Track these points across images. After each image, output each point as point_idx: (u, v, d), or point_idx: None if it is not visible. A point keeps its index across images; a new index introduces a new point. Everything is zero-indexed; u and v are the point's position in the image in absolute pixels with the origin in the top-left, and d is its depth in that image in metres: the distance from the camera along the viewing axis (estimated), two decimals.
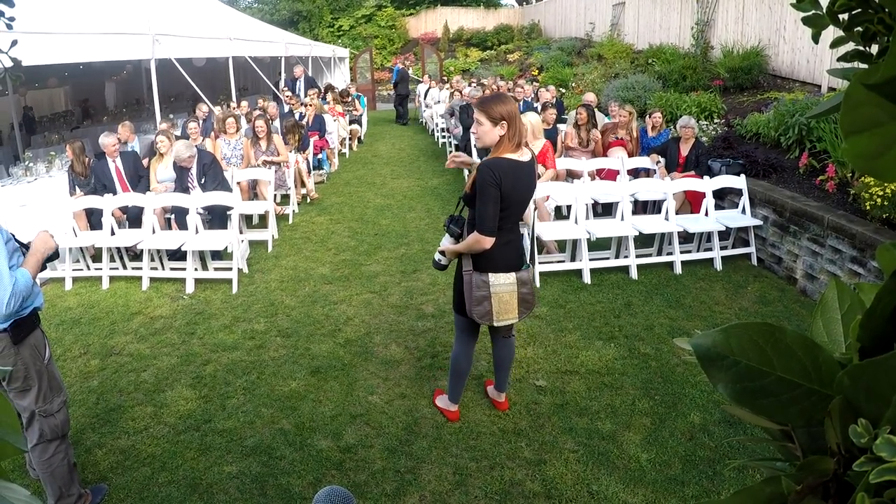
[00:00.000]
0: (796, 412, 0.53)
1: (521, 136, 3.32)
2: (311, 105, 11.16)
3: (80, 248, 6.49)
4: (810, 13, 0.58)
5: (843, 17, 0.54)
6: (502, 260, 3.42)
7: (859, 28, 0.55)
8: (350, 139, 13.56)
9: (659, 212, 6.80)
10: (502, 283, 3.42)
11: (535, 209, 6.31)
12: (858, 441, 0.49)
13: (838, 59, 0.60)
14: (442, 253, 3.58)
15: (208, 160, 7.06)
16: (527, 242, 6.42)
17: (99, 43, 8.02)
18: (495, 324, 3.48)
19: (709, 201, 6.40)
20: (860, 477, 0.48)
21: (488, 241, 3.31)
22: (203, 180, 6.92)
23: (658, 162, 7.31)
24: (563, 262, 6.28)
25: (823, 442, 0.55)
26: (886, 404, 0.48)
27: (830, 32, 0.57)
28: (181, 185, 7.00)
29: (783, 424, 0.56)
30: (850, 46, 0.57)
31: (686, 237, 6.55)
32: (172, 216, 6.85)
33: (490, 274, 3.42)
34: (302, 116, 10.93)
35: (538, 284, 5.88)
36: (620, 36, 16.34)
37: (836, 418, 0.51)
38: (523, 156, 3.34)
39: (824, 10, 0.55)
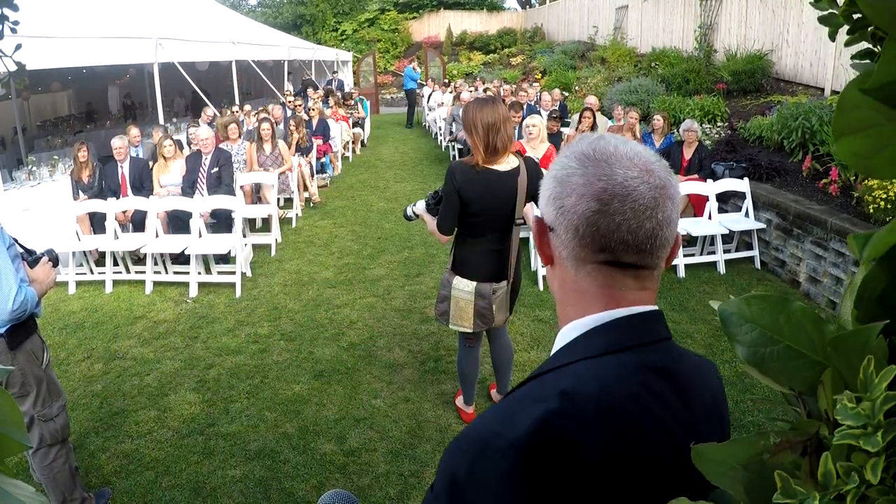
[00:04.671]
0: (800, 378, 0.59)
1: (499, 145, 3.18)
2: (314, 109, 11.18)
3: (84, 253, 6.49)
4: (826, 12, 0.60)
5: (857, 15, 0.55)
6: (469, 267, 3.41)
7: (871, 28, 0.56)
8: (353, 143, 13.57)
9: None
10: (462, 290, 3.41)
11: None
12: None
13: (852, 58, 0.61)
14: (415, 214, 3.62)
15: (225, 156, 7.23)
16: (529, 248, 6.43)
17: (102, 47, 8.05)
18: (450, 326, 3.52)
19: (712, 205, 6.39)
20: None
21: (441, 237, 3.37)
22: (216, 169, 7.00)
23: None
24: None
25: None
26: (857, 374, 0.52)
27: (846, 30, 0.59)
28: (190, 179, 7.04)
29: (792, 389, 0.61)
30: (863, 45, 0.58)
31: (689, 240, 6.54)
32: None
33: (456, 277, 3.44)
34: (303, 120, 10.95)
35: (541, 287, 5.87)
36: (623, 39, 16.35)
37: (827, 386, 0.55)
38: (503, 165, 3.24)
39: (839, 11, 0.57)
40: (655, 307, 0.90)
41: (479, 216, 3.27)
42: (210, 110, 10.32)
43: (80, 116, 14.46)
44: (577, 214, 0.85)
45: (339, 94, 14.65)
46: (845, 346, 0.54)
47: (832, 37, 0.61)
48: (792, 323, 0.59)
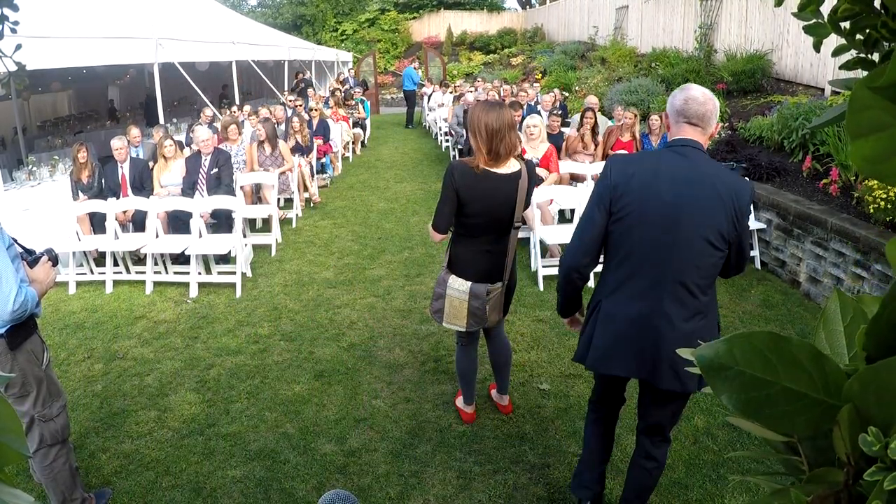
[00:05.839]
0: (803, 422, 0.52)
1: (502, 151, 3.17)
2: (316, 110, 11.19)
3: (84, 253, 6.50)
4: (812, 22, 0.58)
5: (845, 25, 0.54)
6: (464, 267, 3.39)
7: (860, 35, 0.55)
8: (353, 143, 13.57)
9: None
10: (456, 289, 3.40)
11: (540, 213, 6.31)
12: (869, 450, 0.48)
13: (840, 68, 0.59)
14: None
15: (224, 156, 7.23)
16: (529, 248, 6.44)
17: (102, 47, 8.05)
18: (444, 324, 3.50)
19: None
20: (872, 487, 0.47)
21: (436, 236, 3.35)
22: (216, 170, 7.00)
23: None
24: None
25: (830, 453, 0.54)
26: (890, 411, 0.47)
27: (833, 40, 0.57)
28: (190, 180, 7.04)
29: (789, 435, 0.55)
30: (852, 55, 0.56)
31: None
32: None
33: (451, 276, 3.43)
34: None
35: (541, 288, 5.88)
36: (624, 39, 16.34)
37: (844, 427, 0.50)
38: (504, 168, 3.22)
39: (826, 19, 0.55)
40: (699, 141, 2.38)
41: (476, 217, 3.26)
42: (210, 111, 10.32)
43: (80, 116, 14.46)
44: (675, 105, 2.41)
45: (341, 91, 14.62)
46: (876, 381, 0.48)
47: (817, 48, 0.58)
48: (786, 361, 0.53)
